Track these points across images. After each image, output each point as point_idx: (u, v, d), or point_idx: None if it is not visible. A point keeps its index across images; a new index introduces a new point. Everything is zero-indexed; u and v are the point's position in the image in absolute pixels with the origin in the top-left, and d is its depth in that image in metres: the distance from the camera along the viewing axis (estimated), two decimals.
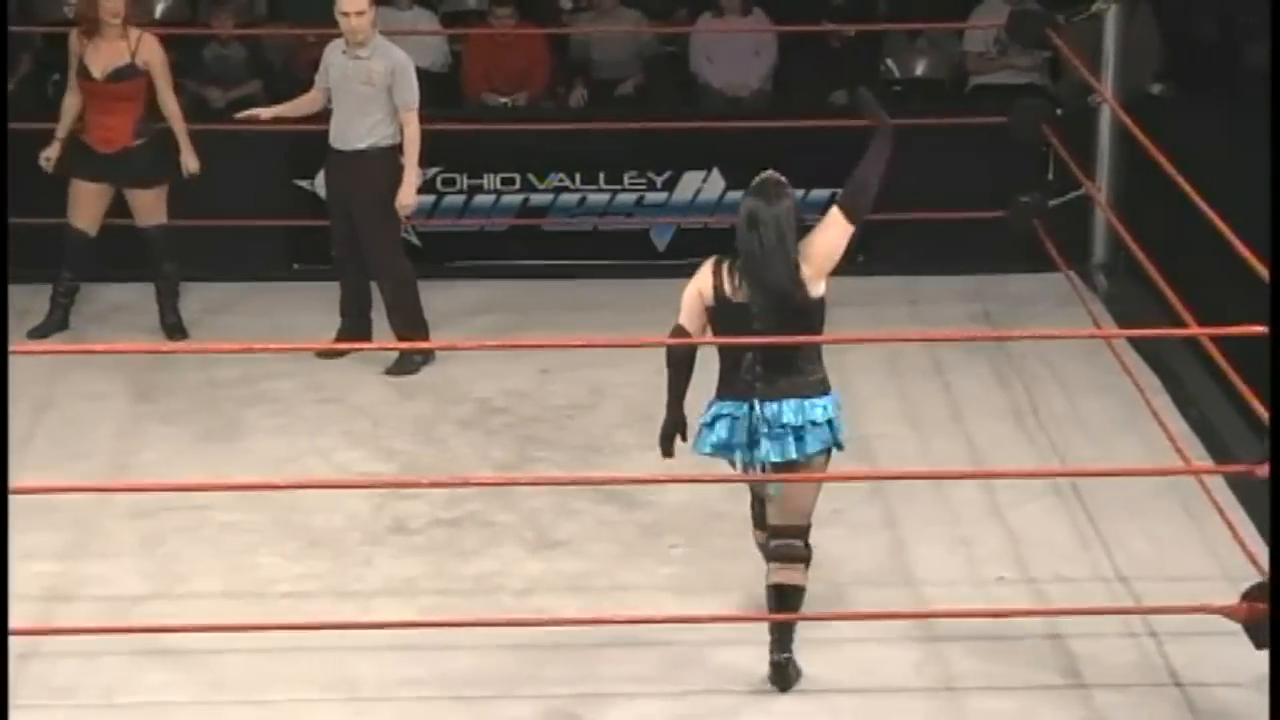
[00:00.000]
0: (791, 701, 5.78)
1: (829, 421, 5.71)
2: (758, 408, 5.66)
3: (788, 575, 5.79)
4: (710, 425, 5.76)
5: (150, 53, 8.44)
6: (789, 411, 5.66)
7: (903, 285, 9.25)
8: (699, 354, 5.78)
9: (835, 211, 5.71)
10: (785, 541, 5.81)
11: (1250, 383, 6.00)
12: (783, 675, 5.81)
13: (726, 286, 5.69)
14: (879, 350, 8.14)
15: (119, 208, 8.62)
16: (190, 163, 8.53)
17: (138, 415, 7.90)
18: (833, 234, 5.69)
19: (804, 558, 5.80)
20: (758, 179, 5.75)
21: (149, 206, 8.57)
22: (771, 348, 5.63)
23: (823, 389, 5.73)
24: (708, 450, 5.79)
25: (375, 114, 8.11)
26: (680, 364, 5.71)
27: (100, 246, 8.64)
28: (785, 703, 5.77)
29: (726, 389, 5.74)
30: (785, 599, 5.79)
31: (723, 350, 5.73)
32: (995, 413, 7.92)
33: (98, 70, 8.39)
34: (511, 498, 7.05)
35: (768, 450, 5.66)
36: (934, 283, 9.34)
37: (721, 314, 5.71)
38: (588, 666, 5.93)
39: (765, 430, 5.66)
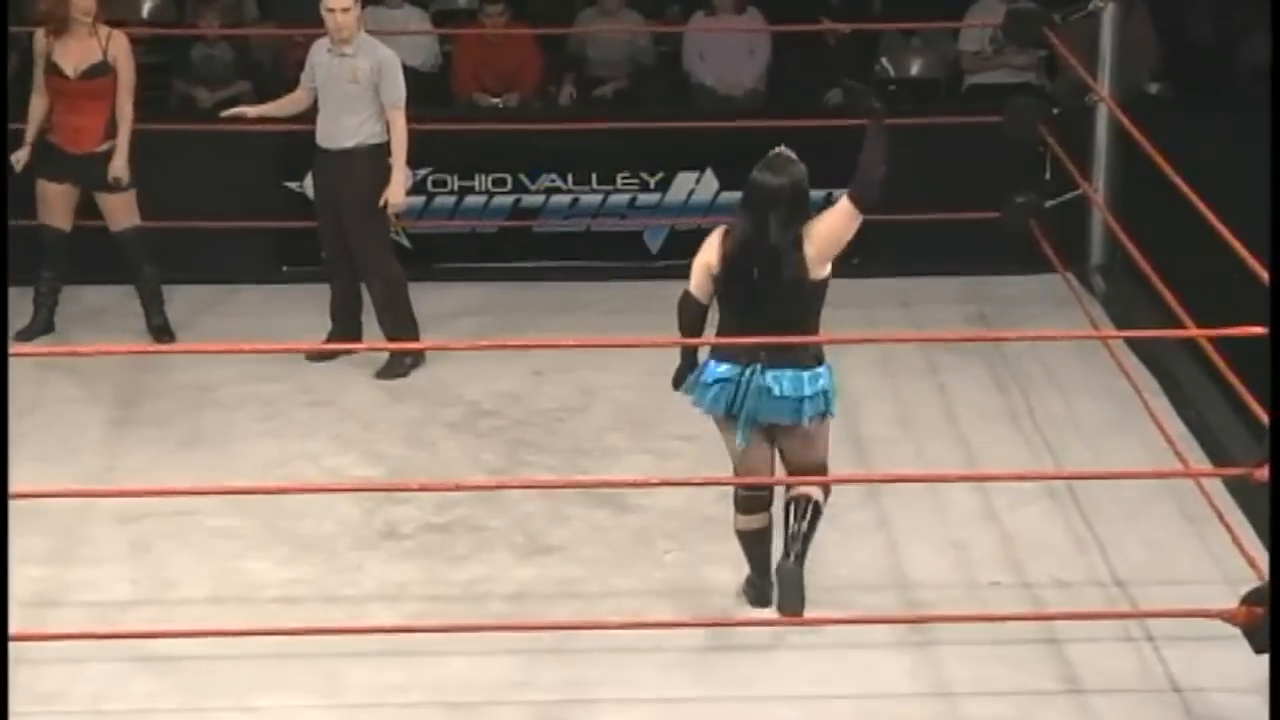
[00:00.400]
0: (784, 706, 5.78)
1: (824, 391, 6.01)
2: (758, 375, 5.93)
3: (805, 490, 6.08)
4: (709, 386, 5.99)
5: (119, 49, 8.41)
6: (787, 381, 5.94)
7: (897, 287, 9.25)
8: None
9: (844, 199, 5.95)
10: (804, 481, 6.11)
11: (1249, 384, 6.00)
12: (793, 582, 5.94)
13: (728, 256, 5.94)
14: (873, 352, 8.14)
15: (95, 210, 8.59)
16: (118, 168, 8.42)
17: (124, 419, 7.89)
18: (838, 219, 5.95)
19: (821, 485, 6.10)
20: (770, 154, 6.01)
21: (120, 210, 8.53)
22: (775, 322, 5.89)
23: (818, 360, 6.03)
24: (703, 407, 6.05)
25: (362, 112, 8.11)
26: (688, 326, 6.03)
27: (81, 247, 8.62)
28: (778, 708, 5.78)
29: (726, 352, 5.97)
30: (801, 509, 6.05)
31: (726, 317, 6.01)
32: (990, 415, 7.93)
33: (69, 68, 8.36)
34: (502, 502, 7.04)
35: (772, 414, 5.96)
36: (929, 284, 9.34)
37: (725, 283, 5.96)
38: (579, 672, 5.93)
39: (765, 396, 5.94)
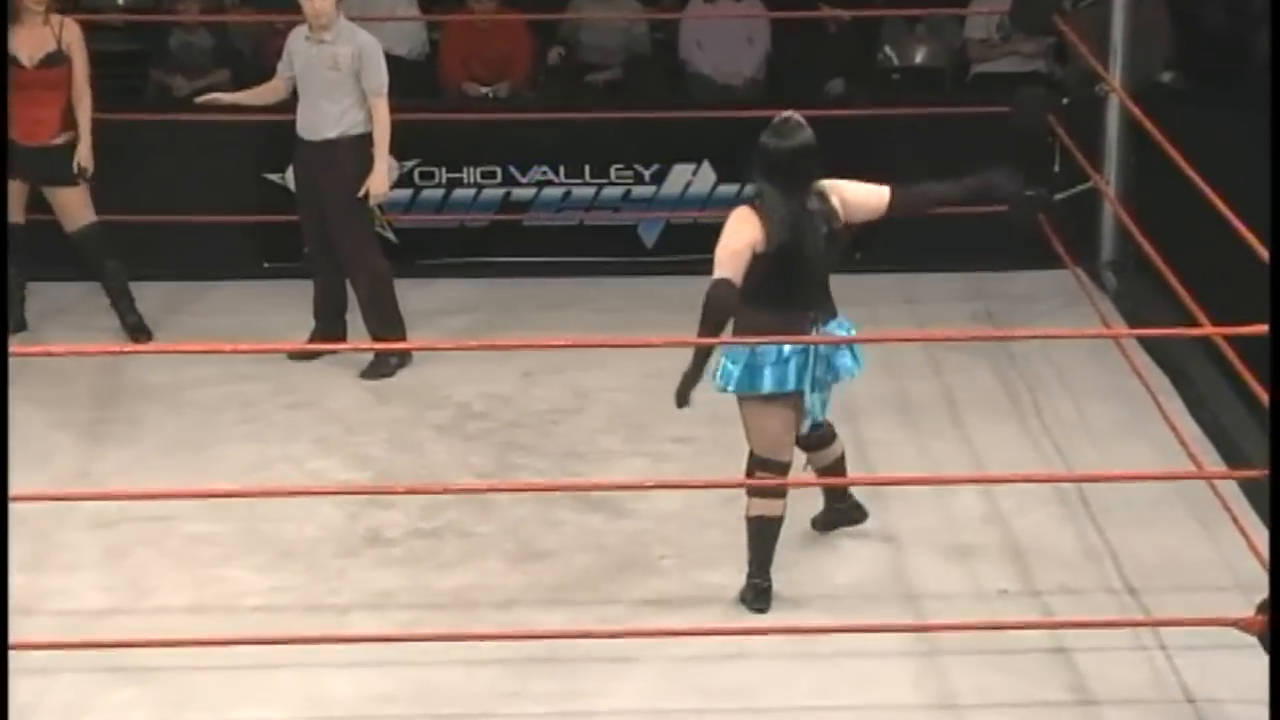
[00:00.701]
0: (784, 718, 5.79)
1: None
2: (824, 331, 6.18)
3: (835, 450, 6.58)
4: (785, 362, 6.13)
5: (73, 37, 8.40)
6: (841, 329, 6.25)
7: (901, 283, 9.26)
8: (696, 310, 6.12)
9: (887, 191, 6.25)
10: (820, 432, 6.47)
11: (1265, 384, 6.00)
12: (859, 510, 6.78)
13: (775, 230, 6.03)
14: (876, 351, 8.09)
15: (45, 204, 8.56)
16: (85, 159, 8.42)
17: (99, 420, 7.89)
18: (869, 199, 6.25)
19: (835, 433, 6.61)
20: (776, 121, 6.15)
21: (76, 204, 8.51)
22: (821, 281, 6.16)
23: None
24: (791, 387, 6.16)
25: (343, 101, 8.11)
26: (725, 320, 6.04)
27: (40, 242, 8.59)
28: (777, 719, 5.80)
29: (785, 325, 6.05)
30: (840, 463, 6.62)
31: (776, 288, 6.07)
32: (998, 416, 7.94)
33: (25, 58, 8.34)
34: (492, 507, 7.05)
35: (845, 369, 6.29)
36: (933, 280, 9.35)
37: (778, 257, 6.04)
38: (572, 683, 5.94)
39: (836, 351, 6.24)
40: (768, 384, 6.15)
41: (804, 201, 6.09)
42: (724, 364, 6.17)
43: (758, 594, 6.31)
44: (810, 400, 6.21)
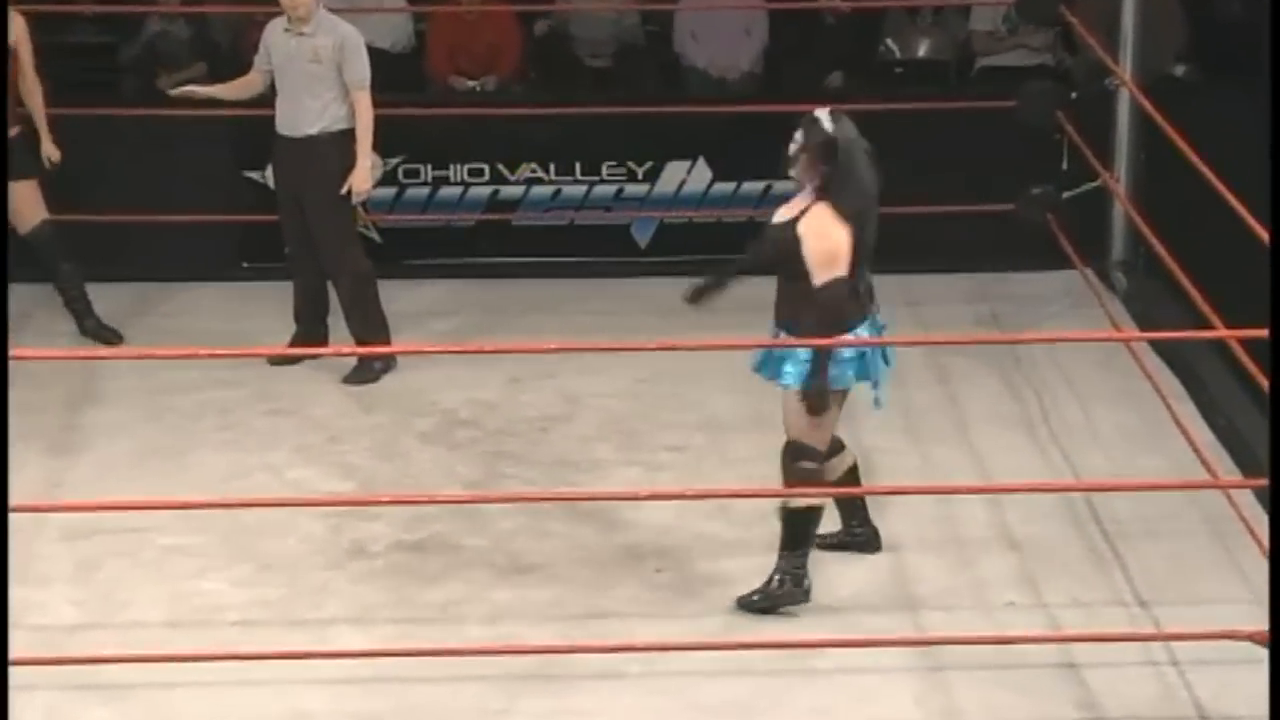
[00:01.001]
0: None
1: None
2: (876, 326, 6.34)
3: (845, 460, 6.62)
4: (861, 356, 6.25)
5: (18, 30, 8.39)
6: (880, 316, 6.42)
7: (903, 284, 9.21)
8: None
9: None
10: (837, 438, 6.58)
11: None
12: (877, 539, 6.77)
13: (855, 223, 6.13)
14: None
15: None
16: (50, 151, 8.43)
17: (71, 428, 7.89)
18: None
19: (844, 444, 6.66)
20: (822, 114, 6.20)
21: (26, 202, 8.47)
22: (868, 269, 6.28)
23: None
24: (873, 376, 6.31)
25: (325, 95, 8.11)
26: (844, 320, 6.16)
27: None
28: None
29: (861, 316, 6.25)
30: (853, 477, 6.64)
31: (854, 282, 6.21)
32: (1004, 423, 7.94)
33: None
34: (479, 518, 7.05)
35: (890, 356, 6.40)
36: (937, 282, 9.35)
37: (857, 248, 6.15)
38: (563, 700, 5.94)
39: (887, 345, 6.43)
40: (851, 379, 6.24)
41: (876, 188, 6.23)
42: (785, 366, 6.22)
43: (791, 593, 6.34)
44: (880, 390, 6.34)
